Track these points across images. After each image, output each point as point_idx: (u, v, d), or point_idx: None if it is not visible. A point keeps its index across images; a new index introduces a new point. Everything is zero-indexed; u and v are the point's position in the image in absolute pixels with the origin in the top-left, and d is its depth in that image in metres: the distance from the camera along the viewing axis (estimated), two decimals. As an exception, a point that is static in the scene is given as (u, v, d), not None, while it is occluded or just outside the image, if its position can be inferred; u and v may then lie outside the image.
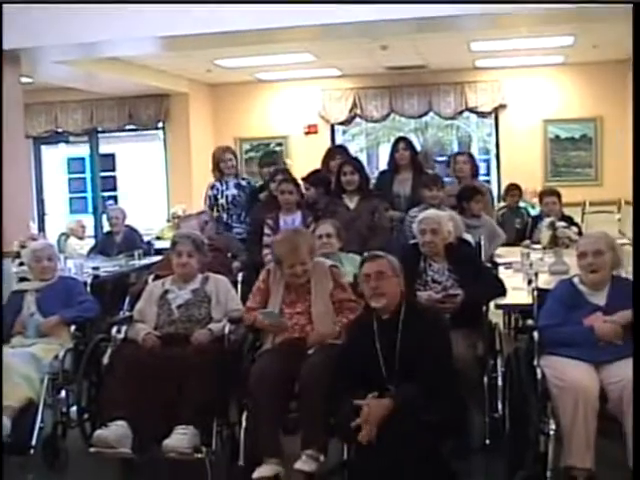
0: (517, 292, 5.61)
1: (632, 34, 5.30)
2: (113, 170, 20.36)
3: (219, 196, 8.11)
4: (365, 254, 4.87)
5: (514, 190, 9.87)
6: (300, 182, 7.56)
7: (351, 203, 7.21)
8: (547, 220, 6.64)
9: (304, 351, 4.86)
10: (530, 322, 5.03)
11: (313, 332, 4.95)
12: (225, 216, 8.05)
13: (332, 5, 7.14)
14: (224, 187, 8.13)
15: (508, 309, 6.74)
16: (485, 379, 5.06)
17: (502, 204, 10.30)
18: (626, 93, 12.36)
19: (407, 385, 4.26)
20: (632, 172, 4.92)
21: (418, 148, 10.10)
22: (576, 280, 4.87)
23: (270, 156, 8.95)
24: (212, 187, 8.22)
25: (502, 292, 5.44)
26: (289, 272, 5.07)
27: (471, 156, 8.88)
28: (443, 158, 11.54)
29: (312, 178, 7.80)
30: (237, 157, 8.51)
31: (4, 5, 7.20)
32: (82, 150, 16.89)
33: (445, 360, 4.42)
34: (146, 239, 10.12)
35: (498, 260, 6.97)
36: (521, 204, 10.07)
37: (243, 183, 8.25)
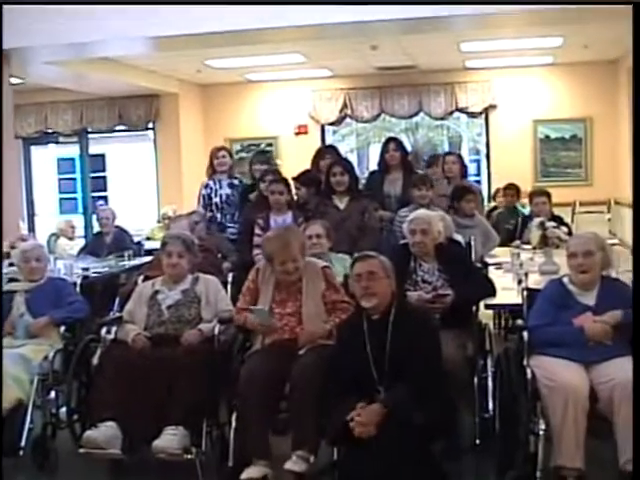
0: (507, 292, 5.61)
1: (632, 34, 5.30)
2: (103, 170, 20.39)
3: (213, 195, 8.12)
4: (356, 254, 4.86)
5: (511, 190, 9.74)
6: (291, 182, 7.57)
7: (341, 204, 7.20)
8: (537, 220, 6.65)
9: (294, 352, 4.85)
10: (520, 322, 5.02)
11: (304, 331, 4.94)
12: (219, 216, 8.07)
13: (322, 6, 7.15)
14: (217, 186, 8.14)
15: (498, 309, 6.75)
16: (475, 379, 5.05)
17: (493, 204, 10.30)
18: (616, 93, 12.42)
19: (397, 388, 4.27)
20: (632, 172, 4.93)
21: (409, 148, 10.10)
22: (566, 280, 4.88)
23: (263, 155, 8.95)
24: (206, 186, 8.23)
25: (492, 292, 5.44)
26: (280, 269, 5.06)
27: (460, 156, 8.91)
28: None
29: (303, 178, 7.78)
30: (232, 156, 8.51)
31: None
32: (72, 150, 16.88)
33: (435, 361, 4.42)
34: (136, 240, 10.10)
35: (488, 260, 6.97)
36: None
37: (236, 182, 8.25)
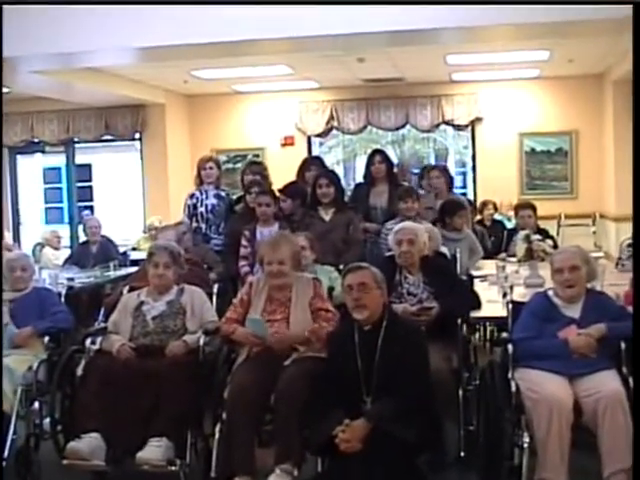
0: (492, 305, 5.63)
1: (632, 34, 5.32)
2: (89, 180, 20.33)
3: (198, 205, 8.08)
4: (348, 265, 4.84)
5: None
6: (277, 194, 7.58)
7: (326, 215, 7.22)
8: (522, 233, 6.66)
9: (281, 361, 4.85)
10: (505, 335, 5.03)
11: (281, 334, 4.94)
12: (204, 226, 8.02)
13: (309, 17, 7.15)
14: (204, 196, 8.11)
15: (483, 322, 6.76)
16: (460, 392, 5.07)
17: (478, 217, 10.32)
18: (601, 107, 12.48)
19: (382, 402, 4.27)
20: (632, 182, 4.95)
21: (395, 161, 10.10)
22: (551, 293, 4.89)
23: (257, 165, 8.91)
24: (191, 196, 8.20)
25: (477, 305, 5.46)
26: (267, 270, 5.12)
27: (445, 169, 8.90)
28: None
29: (288, 190, 7.75)
30: (220, 167, 8.49)
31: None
32: (58, 160, 16.83)
33: (423, 374, 4.42)
34: (122, 250, 10.09)
35: (474, 273, 6.98)
36: (496, 217, 10.05)
37: (222, 194, 8.23)
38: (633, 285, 4.93)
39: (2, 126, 7.97)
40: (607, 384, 4.35)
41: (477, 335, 7.32)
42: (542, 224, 8.38)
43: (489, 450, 4.57)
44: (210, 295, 5.65)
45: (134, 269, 7.71)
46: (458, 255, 6.81)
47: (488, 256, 7.87)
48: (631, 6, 5.57)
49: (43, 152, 15.68)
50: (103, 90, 11.38)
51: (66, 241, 12.37)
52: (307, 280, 5.22)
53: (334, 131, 14.14)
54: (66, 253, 10.35)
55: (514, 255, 6.86)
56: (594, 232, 12.22)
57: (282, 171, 8.56)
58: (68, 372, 5.21)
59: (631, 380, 4.41)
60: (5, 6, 7.03)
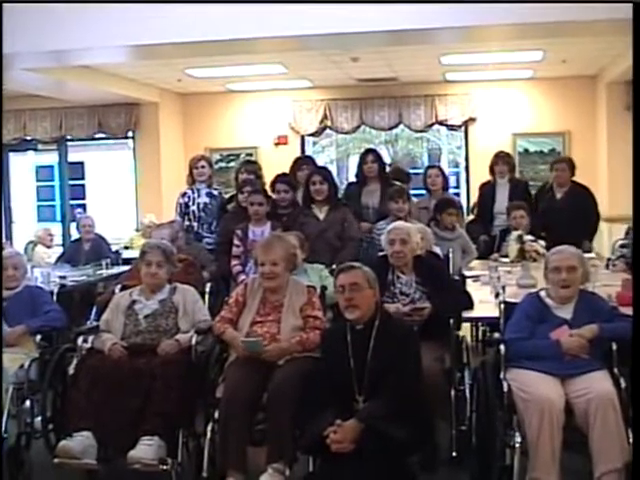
0: (485, 305, 5.63)
1: (632, 34, 5.32)
2: (82, 178, 20.31)
3: (190, 203, 8.09)
4: (342, 265, 4.83)
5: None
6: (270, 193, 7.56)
7: (320, 213, 7.20)
8: (515, 234, 6.65)
9: (274, 362, 4.85)
10: (497, 335, 5.03)
11: (273, 345, 4.91)
12: (196, 225, 8.03)
13: (302, 16, 7.16)
14: (195, 195, 8.12)
15: (476, 322, 6.76)
16: (452, 392, 5.07)
17: (471, 217, 10.32)
18: (594, 108, 12.50)
19: (374, 402, 4.27)
20: (632, 181, 4.97)
21: (388, 160, 10.10)
22: (543, 294, 4.89)
23: (252, 164, 8.92)
24: (183, 194, 8.21)
25: (469, 305, 5.46)
26: (260, 271, 5.12)
27: (441, 169, 8.93)
28: (419, 170, 11.19)
29: (288, 180, 7.71)
30: (212, 166, 8.51)
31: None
32: (51, 158, 16.81)
33: (415, 375, 4.42)
34: (114, 248, 10.08)
35: (466, 273, 6.98)
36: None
37: (215, 192, 8.23)
38: (633, 285, 4.92)
39: (2, 123, 7.92)
40: (598, 385, 4.35)
41: (469, 335, 7.32)
42: (535, 225, 8.37)
43: (481, 450, 4.58)
44: (203, 294, 5.65)
45: (126, 267, 7.70)
46: (451, 255, 6.82)
47: (481, 256, 7.87)
48: (626, 7, 5.59)
49: (36, 150, 15.68)
50: (96, 88, 11.37)
51: (58, 239, 12.36)
52: (302, 287, 5.22)
53: (328, 130, 14.14)
54: (58, 251, 10.33)
55: (507, 255, 6.86)
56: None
57: (275, 170, 8.54)
58: (60, 371, 5.20)
59: (622, 381, 4.43)
60: (-2, 3, 7.02)
